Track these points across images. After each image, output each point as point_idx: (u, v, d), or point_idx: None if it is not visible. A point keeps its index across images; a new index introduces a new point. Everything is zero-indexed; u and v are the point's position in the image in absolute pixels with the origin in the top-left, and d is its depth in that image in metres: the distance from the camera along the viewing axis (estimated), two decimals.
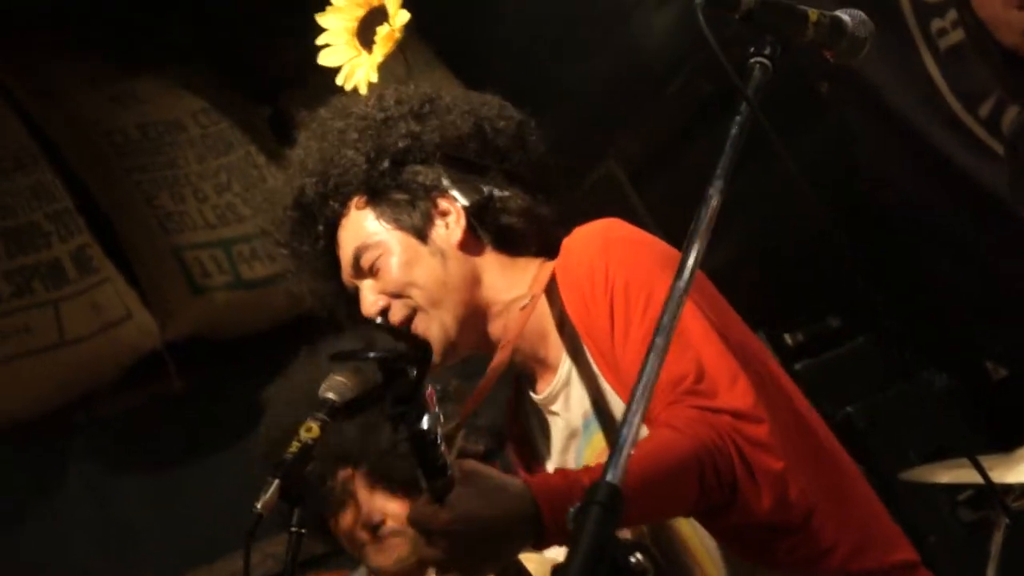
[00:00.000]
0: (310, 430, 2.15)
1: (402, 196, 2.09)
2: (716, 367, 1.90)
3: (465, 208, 2.10)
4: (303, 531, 2.11)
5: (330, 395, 2.21)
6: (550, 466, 2.14)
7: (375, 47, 2.33)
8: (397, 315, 2.08)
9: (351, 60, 2.38)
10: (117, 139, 4.28)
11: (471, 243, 2.11)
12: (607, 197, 4.76)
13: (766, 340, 4.06)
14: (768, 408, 1.89)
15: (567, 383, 2.07)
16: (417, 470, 1.67)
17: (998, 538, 3.14)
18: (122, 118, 4.34)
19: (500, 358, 2.05)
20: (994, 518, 3.20)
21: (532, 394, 2.13)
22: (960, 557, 3.68)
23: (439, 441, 1.64)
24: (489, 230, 2.12)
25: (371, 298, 2.09)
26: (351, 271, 2.12)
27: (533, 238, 2.14)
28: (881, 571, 1.95)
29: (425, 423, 1.61)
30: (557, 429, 2.12)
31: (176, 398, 4.25)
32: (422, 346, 1.62)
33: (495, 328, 2.10)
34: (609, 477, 1.30)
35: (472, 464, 1.71)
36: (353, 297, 2.15)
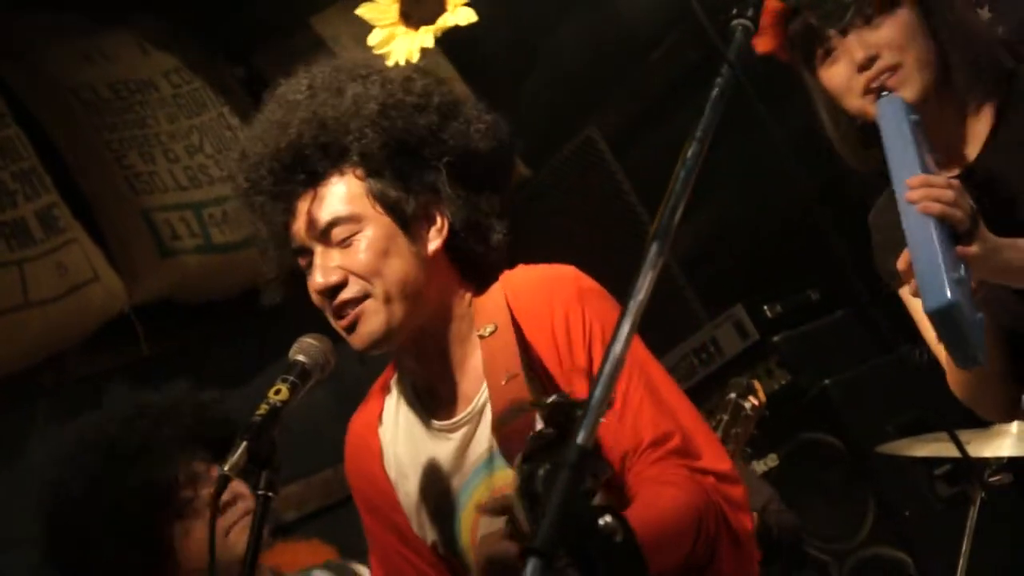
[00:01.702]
0: (279, 392, 2.12)
1: (400, 184, 2.05)
2: (695, 430, 1.98)
3: (450, 223, 2.08)
4: (271, 494, 2.06)
5: (300, 357, 2.17)
6: (418, 480, 2.14)
7: (423, 28, 2.25)
8: (348, 294, 2.04)
9: (391, 26, 2.29)
10: (85, 96, 4.20)
11: (442, 258, 2.10)
12: (587, 163, 4.72)
13: (745, 311, 4.04)
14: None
15: (480, 415, 2.07)
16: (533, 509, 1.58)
17: (973, 513, 3.13)
18: (91, 75, 4.25)
19: (511, 392, 1.94)
20: (971, 493, 3.18)
21: (432, 418, 2.13)
22: (936, 531, 3.67)
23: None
24: (462, 253, 2.11)
25: (327, 266, 2.05)
26: (316, 233, 2.06)
27: (492, 270, 2.14)
28: None
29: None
30: (447, 451, 2.11)
31: (144, 362, 4.19)
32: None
33: (425, 340, 2.09)
34: (580, 440, 1.28)
35: None
36: (294, 250, 2.10)
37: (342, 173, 2.05)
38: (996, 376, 2.28)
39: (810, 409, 3.90)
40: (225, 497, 2.64)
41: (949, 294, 1.90)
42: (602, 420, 1.34)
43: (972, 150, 2.28)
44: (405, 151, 2.04)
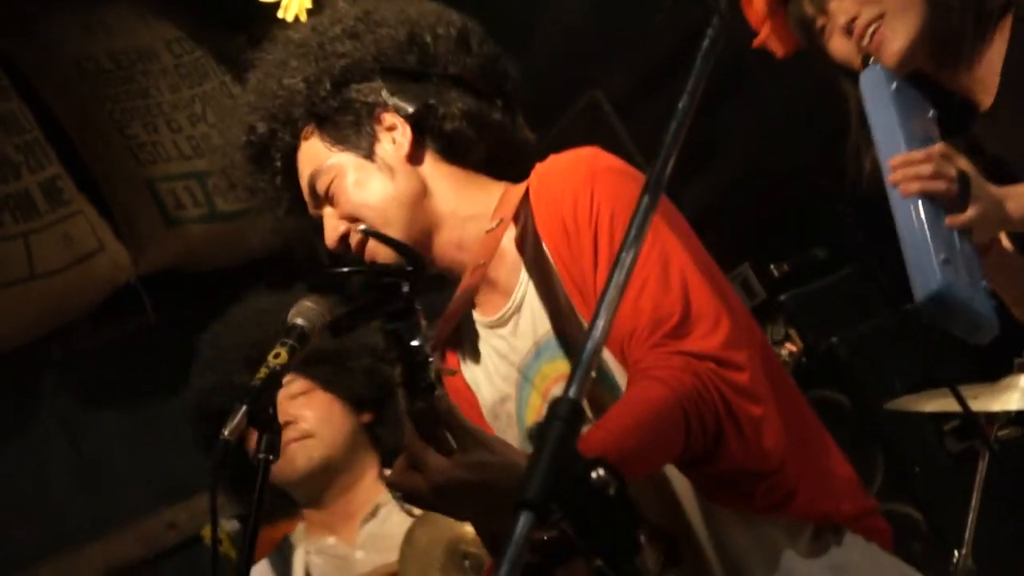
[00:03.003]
0: (278, 356, 2.12)
1: (347, 118, 2.08)
2: (701, 308, 1.86)
3: (408, 118, 2.08)
4: (271, 457, 2.07)
5: (299, 320, 2.17)
6: (487, 386, 2.12)
7: None
8: (354, 239, 2.07)
9: None
10: (87, 67, 4.19)
11: (419, 155, 2.10)
12: (592, 126, 4.70)
13: (751, 270, 4.02)
14: (747, 352, 1.86)
15: (519, 308, 2.04)
16: (401, 389, 1.64)
17: (982, 467, 3.12)
18: (92, 46, 4.24)
19: (471, 281, 2.03)
20: (979, 448, 3.18)
21: (476, 315, 2.11)
22: (946, 487, 3.67)
23: (429, 361, 1.62)
24: (436, 139, 2.10)
25: (331, 224, 2.09)
26: (311, 201, 2.12)
27: (484, 145, 2.11)
28: (839, 516, 1.95)
29: (417, 341, 1.60)
30: (495, 352, 2.10)
31: (151, 332, 4.19)
32: (415, 259, 1.59)
33: (446, 244, 2.08)
34: (571, 393, 1.27)
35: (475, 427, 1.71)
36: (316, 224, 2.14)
37: (305, 137, 2.11)
38: None
39: (818, 367, 3.88)
40: (286, 418, 2.76)
41: (938, 281, 1.86)
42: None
43: (988, 93, 2.23)
44: (336, 84, 2.08)
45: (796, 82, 4.24)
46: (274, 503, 2.91)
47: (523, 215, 2.03)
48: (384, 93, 2.08)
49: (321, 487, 2.88)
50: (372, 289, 1.61)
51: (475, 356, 2.15)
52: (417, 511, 2.72)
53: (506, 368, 2.09)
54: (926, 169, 1.92)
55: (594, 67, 4.81)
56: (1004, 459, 3.23)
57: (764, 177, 4.45)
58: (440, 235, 2.08)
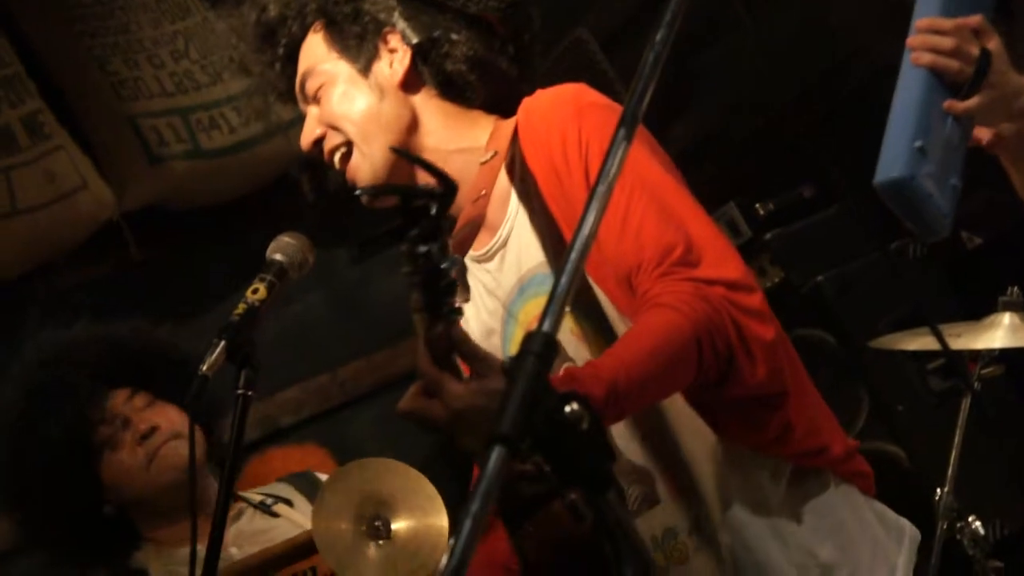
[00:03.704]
0: (257, 291, 2.11)
1: (354, 27, 2.08)
2: (704, 237, 1.87)
3: (411, 46, 2.07)
4: (250, 393, 2.06)
5: (278, 256, 2.16)
6: (471, 323, 2.11)
7: None
8: (330, 144, 2.09)
9: None
10: (68, 2, 4.13)
11: (414, 84, 2.09)
12: (578, 63, 4.66)
13: (737, 209, 4.01)
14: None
15: (505, 243, 2.05)
16: (418, 315, 1.62)
17: (965, 406, 3.13)
18: None
19: (474, 211, 2.01)
20: (962, 386, 3.18)
21: (471, 249, 2.09)
22: (930, 425, 3.68)
23: (454, 285, 1.61)
24: (434, 73, 2.08)
25: (310, 125, 2.11)
26: (301, 95, 2.14)
27: (484, 89, 2.10)
28: (828, 455, 1.97)
29: (445, 264, 1.58)
30: (483, 286, 2.10)
31: (135, 269, 4.17)
32: (447, 182, 1.57)
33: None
34: (545, 327, 1.26)
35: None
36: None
37: (314, 31, 2.12)
38: None
39: (803, 305, 3.88)
40: (142, 428, 2.68)
41: (902, 168, 1.79)
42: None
43: None
44: None
45: (781, 19, 4.22)
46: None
47: (512, 150, 2.02)
48: (396, 14, 2.07)
49: (182, 494, 2.76)
50: (402, 211, 1.58)
51: (464, 289, 2.14)
52: (280, 510, 2.78)
53: (493, 303, 2.09)
54: (946, 43, 1.79)
55: (580, 4, 4.76)
56: (987, 397, 3.24)
57: (750, 115, 4.43)
58: (433, 154, 2.05)
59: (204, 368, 2.02)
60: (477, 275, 2.10)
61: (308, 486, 2.86)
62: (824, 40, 4.18)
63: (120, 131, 4.08)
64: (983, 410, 3.22)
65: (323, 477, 2.84)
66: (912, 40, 1.82)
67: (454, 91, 2.09)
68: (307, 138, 2.11)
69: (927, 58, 1.80)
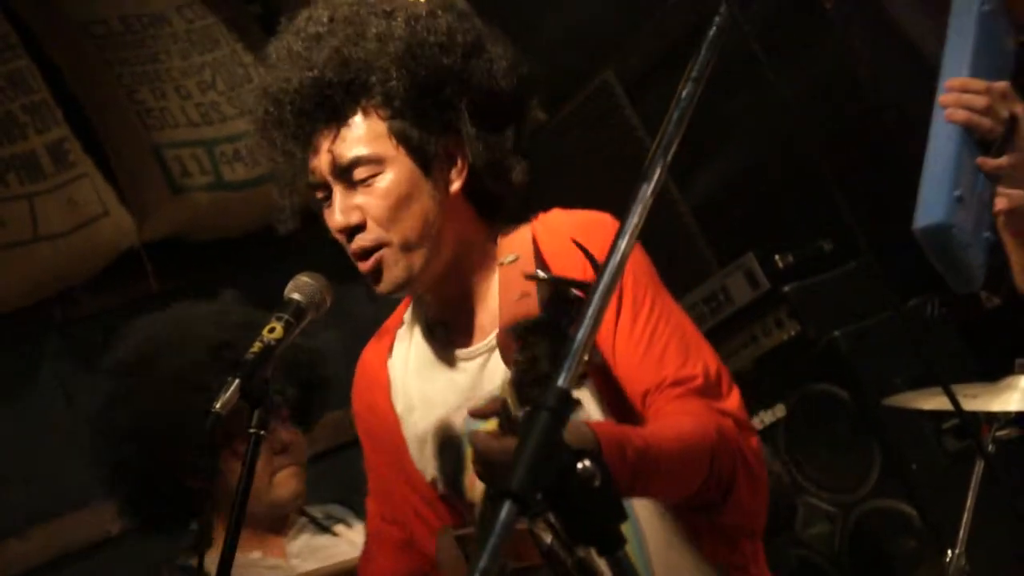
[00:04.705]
0: (273, 330, 2.11)
1: (420, 125, 2.02)
2: (718, 374, 1.98)
3: (470, 164, 2.06)
4: (262, 432, 2.06)
5: (296, 295, 2.16)
6: (425, 413, 2.14)
7: None
8: (367, 239, 2.03)
9: None
10: (97, 30, 4.16)
11: (460, 197, 2.08)
12: (603, 107, 4.68)
13: (756, 260, 4.00)
14: None
15: (494, 348, 2.06)
16: (534, 389, 1.60)
17: (978, 468, 3.11)
18: (103, 9, 4.22)
19: (519, 309, 1.95)
20: (976, 447, 3.16)
21: (442, 341, 2.14)
22: (943, 485, 3.65)
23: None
24: (481, 192, 2.09)
25: (350, 206, 2.03)
26: (337, 171, 2.04)
27: (509, 210, 2.14)
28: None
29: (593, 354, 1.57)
30: (457, 384, 2.11)
31: (153, 299, 4.17)
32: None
33: (447, 277, 2.08)
34: (560, 382, 1.26)
35: None
36: (311, 184, 2.09)
37: (365, 112, 2.03)
38: None
39: (818, 360, 3.87)
40: (276, 446, 2.78)
41: (942, 215, 1.81)
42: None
43: None
44: (428, 91, 2.01)
45: (805, 73, 4.23)
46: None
47: (535, 260, 2.04)
48: (466, 127, 2.03)
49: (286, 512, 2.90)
50: (552, 300, 1.59)
51: (423, 377, 2.16)
52: (339, 530, 2.90)
53: (458, 401, 2.10)
54: (980, 101, 1.85)
55: (606, 49, 4.78)
56: (1002, 460, 3.21)
57: (770, 167, 4.43)
58: (448, 272, 2.08)
59: (218, 407, 2.02)
60: (449, 371, 2.12)
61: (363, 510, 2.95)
62: (848, 93, 4.19)
63: (144, 160, 4.10)
64: (997, 472, 3.20)
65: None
66: (945, 98, 1.86)
67: (489, 210, 2.12)
68: (345, 221, 2.03)
69: (962, 115, 1.84)
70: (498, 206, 2.12)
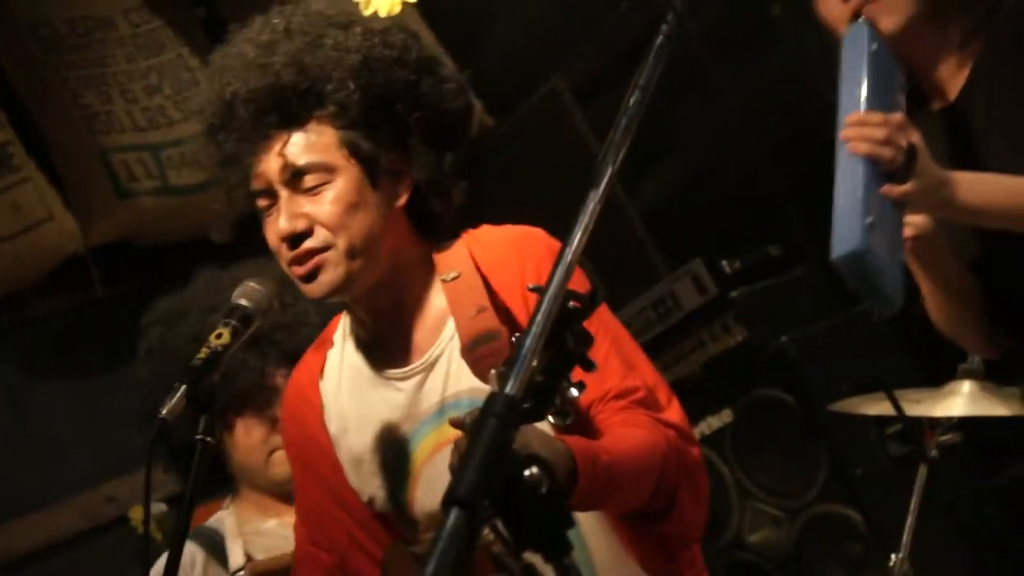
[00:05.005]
0: (220, 336, 2.10)
1: (371, 138, 2.03)
2: (657, 387, 2.03)
3: (415, 179, 2.07)
4: (209, 439, 2.05)
5: (243, 301, 2.16)
6: (361, 433, 2.13)
7: None
8: (314, 243, 2.02)
9: None
10: (43, 33, 4.13)
11: (400, 213, 2.09)
12: (551, 114, 4.68)
13: (703, 266, 4.02)
14: None
15: (432, 366, 2.08)
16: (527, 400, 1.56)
17: (923, 472, 3.14)
18: (48, 11, 4.19)
19: (481, 325, 1.99)
20: (920, 452, 3.19)
21: (373, 363, 2.13)
22: (887, 490, 3.69)
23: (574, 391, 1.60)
24: (421, 210, 2.10)
25: (296, 213, 2.02)
26: (285, 177, 2.03)
27: (447, 226, 2.15)
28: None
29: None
30: (394, 402, 2.11)
31: (99, 304, 4.15)
32: (596, 291, 1.56)
33: (380, 292, 2.08)
34: (508, 389, 1.26)
35: None
36: (254, 192, 2.07)
37: (318, 121, 2.03)
38: (970, 310, 2.27)
39: (765, 366, 3.90)
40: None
41: (858, 242, 1.88)
42: None
43: (955, 87, 2.24)
44: (380, 104, 2.03)
45: (752, 78, 4.25)
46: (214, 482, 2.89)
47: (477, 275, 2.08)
48: (415, 144, 2.06)
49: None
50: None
51: (357, 397, 2.15)
52: None
53: (397, 419, 2.11)
54: (879, 133, 1.93)
55: (556, 55, 4.79)
56: (944, 464, 3.25)
57: (719, 174, 4.45)
58: (377, 286, 2.08)
59: (164, 412, 2.01)
60: (382, 391, 2.12)
61: None
62: (795, 101, 4.21)
63: (90, 164, 4.08)
64: (940, 477, 3.23)
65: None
66: (847, 132, 1.96)
67: (427, 228, 2.13)
68: (291, 228, 2.02)
69: (864, 147, 1.94)
70: (436, 225, 2.13)
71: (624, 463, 1.82)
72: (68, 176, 4.07)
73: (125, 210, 4.09)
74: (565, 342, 1.49)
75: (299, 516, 2.25)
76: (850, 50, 2.08)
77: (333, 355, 2.21)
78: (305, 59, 2.02)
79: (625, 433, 1.91)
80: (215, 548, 2.82)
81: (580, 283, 2.03)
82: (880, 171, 1.95)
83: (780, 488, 3.98)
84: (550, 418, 1.56)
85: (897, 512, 3.18)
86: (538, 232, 2.12)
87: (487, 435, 1.26)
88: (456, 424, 1.79)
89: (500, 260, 2.06)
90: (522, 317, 2.00)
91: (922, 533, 3.11)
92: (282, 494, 2.79)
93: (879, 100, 2.02)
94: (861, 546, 3.73)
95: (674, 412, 2.02)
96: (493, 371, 1.50)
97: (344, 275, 2.02)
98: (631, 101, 1.54)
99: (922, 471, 3.14)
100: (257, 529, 2.83)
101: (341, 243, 2.01)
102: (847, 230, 1.89)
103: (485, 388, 1.92)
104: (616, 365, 1.99)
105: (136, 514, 3.92)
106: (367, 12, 2.24)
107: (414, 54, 2.07)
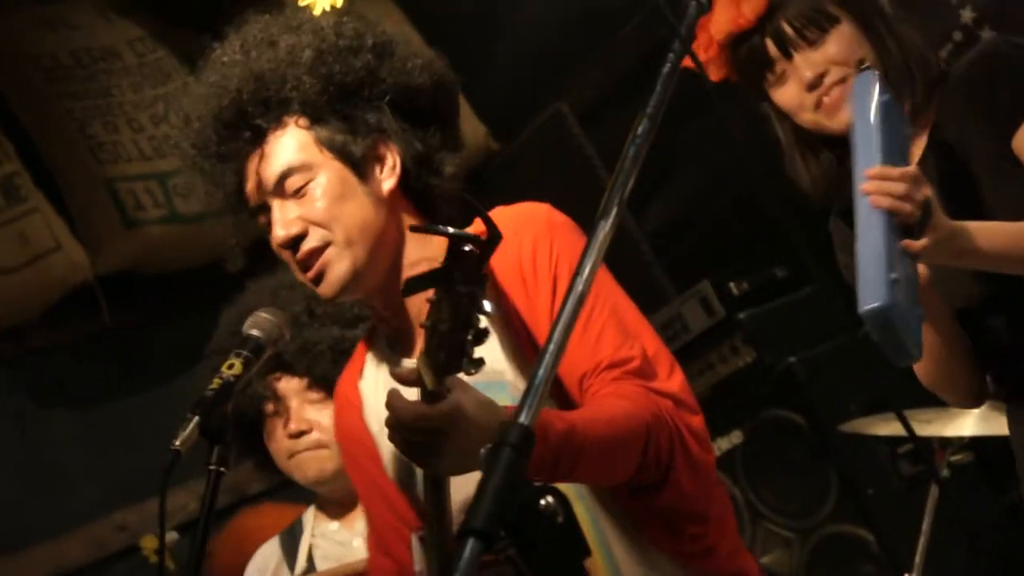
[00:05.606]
0: (232, 367, 2.11)
1: (343, 128, 2.04)
2: (657, 355, 1.99)
3: (402, 160, 2.07)
4: (222, 469, 2.05)
5: (254, 332, 2.16)
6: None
7: None
8: (311, 243, 2.03)
9: None
10: (47, 64, 4.15)
11: (399, 196, 2.09)
12: (556, 137, 4.69)
13: (711, 288, 4.03)
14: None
15: None
16: (440, 353, 1.62)
17: (933, 492, 3.14)
18: (53, 42, 4.20)
19: None
20: (931, 471, 3.19)
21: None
22: (899, 510, 3.68)
23: (486, 333, 1.61)
24: (416, 188, 2.10)
25: (288, 219, 2.03)
26: (270, 187, 2.05)
27: (448, 204, 2.13)
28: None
29: (488, 307, 1.57)
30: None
31: (107, 333, 4.15)
32: (494, 231, 1.57)
33: (391, 281, 2.06)
34: (522, 419, 1.26)
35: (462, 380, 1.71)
36: (252, 210, 2.08)
37: (286, 125, 2.05)
38: (959, 360, 2.28)
39: (775, 386, 3.89)
40: (292, 428, 2.75)
41: (884, 297, 1.88)
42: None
43: (913, 157, 2.27)
44: (345, 94, 2.04)
45: (756, 99, 4.26)
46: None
47: None
48: (389, 125, 2.06)
49: (331, 489, 2.87)
50: (448, 255, 1.57)
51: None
52: None
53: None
54: (900, 188, 1.95)
55: (559, 79, 4.80)
56: (956, 484, 3.24)
57: (725, 195, 4.45)
58: (389, 272, 2.07)
59: (177, 443, 2.01)
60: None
61: None
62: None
63: (97, 194, 4.08)
64: (951, 497, 3.23)
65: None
66: (867, 187, 1.98)
67: (427, 205, 2.12)
68: (286, 234, 2.03)
69: (886, 202, 1.95)
70: (435, 201, 2.12)
71: (590, 431, 1.76)
72: (75, 206, 4.08)
73: (133, 239, 4.10)
74: (456, 288, 1.53)
75: (368, 522, 2.28)
76: (859, 100, 2.08)
77: (372, 354, 2.21)
78: (259, 67, 2.04)
79: (603, 404, 1.87)
80: (290, 549, 2.85)
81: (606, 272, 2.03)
82: (897, 223, 1.96)
83: (791, 509, 3.97)
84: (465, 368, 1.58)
85: (909, 532, 3.18)
86: (540, 207, 2.10)
87: (503, 465, 1.25)
88: (398, 378, 1.77)
89: (510, 243, 1.99)
90: (518, 299, 1.98)
91: (935, 553, 3.11)
92: (344, 496, 2.79)
93: (892, 152, 2.03)
94: (873, 567, 3.72)
95: (674, 382, 1.97)
96: (416, 357, 1.54)
97: (349, 267, 2.02)
98: (639, 130, 1.55)
99: (933, 491, 3.13)
100: (323, 531, 2.85)
101: (338, 236, 2.02)
102: (874, 284, 1.90)
103: (499, 371, 1.97)
104: (611, 336, 1.95)
105: (148, 543, 3.91)
106: (316, 12, 2.25)
107: (369, 40, 2.08)
